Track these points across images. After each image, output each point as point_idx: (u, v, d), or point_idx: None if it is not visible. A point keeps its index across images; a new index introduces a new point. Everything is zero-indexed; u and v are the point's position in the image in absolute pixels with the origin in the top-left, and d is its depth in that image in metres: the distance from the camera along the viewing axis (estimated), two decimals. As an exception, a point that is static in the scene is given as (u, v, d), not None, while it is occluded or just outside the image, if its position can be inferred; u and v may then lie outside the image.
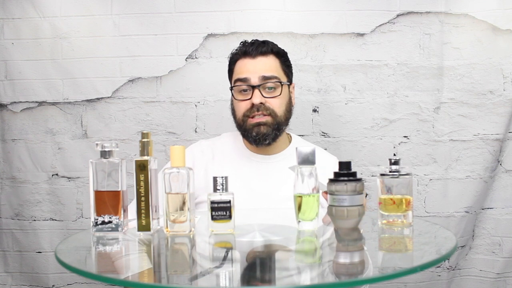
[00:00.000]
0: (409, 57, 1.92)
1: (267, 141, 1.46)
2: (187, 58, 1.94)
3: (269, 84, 1.46)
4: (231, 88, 1.52)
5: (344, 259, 0.94)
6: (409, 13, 1.91)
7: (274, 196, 1.44)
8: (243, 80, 1.46)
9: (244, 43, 1.52)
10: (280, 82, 1.47)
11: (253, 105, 1.45)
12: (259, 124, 1.45)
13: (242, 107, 1.47)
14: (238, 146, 1.55)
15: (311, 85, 1.94)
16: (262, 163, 1.52)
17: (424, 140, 1.93)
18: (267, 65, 1.47)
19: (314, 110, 1.95)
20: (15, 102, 1.96)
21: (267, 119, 1.45)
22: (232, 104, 1.54)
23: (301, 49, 1.93)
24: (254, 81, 1.45)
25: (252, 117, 1.45)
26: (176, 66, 1.94)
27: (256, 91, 1.44)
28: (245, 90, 1.47)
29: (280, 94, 1.47)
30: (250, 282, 0.80)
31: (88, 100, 1.95)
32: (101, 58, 1.94)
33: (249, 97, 1.46)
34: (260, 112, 1.45)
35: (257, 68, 1.46)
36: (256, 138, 1.46)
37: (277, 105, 1.47)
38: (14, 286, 2.01)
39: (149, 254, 0.99)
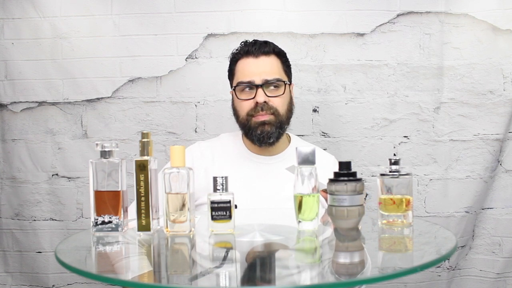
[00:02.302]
0: (409, 57, 1.92)
1: (271, 140, 1.47)
2: (187, 58, 1.94)
3: (272, 84, 1.46)
4: (234, 88, 1.51)
5: (344, 259, 0.94)
6: (409, 13, 1.91)
7: (275, 197, 1.44)
8: (247, 83, 1.47)
9: (245, 43, 1.52)
10: (284, 82, 1.48)
11: (257, 104, 1.45)
12: (264, 123, 1.46)
13: (246, 106, 1.48)
14: (238, 147, 1.56)
15: (311, 85, 1.94)
16: (262, 163, 1.52)
17: (424, 140, 1.93)
18: (269, 66, 1.48)
19: (314, 110, 1.95)
20: (15, 102, 1.96)
21: (271, 117, 1.46)
22: (233, 104, 1.54)
23: (301, 49, 1.93)
24: (258, 81, 1.46)
25: (256, 116, 1.46)
26: (176, 66, 1.94)
27: (260, 90, 1.45)
28: (250, 88, 1.48)
29: (283, 93, 1.48)
30: (250, 282, 0.80)
31: (88, 100, 1.95)
32: (101, 58, 1.94)
33: (253, 96, 1.46)
34: (264, 112, 1.45)
35: (260, 69, 1.47)
36: (261, 136, 1.46)
37: (280, 104, 1.47)
38: (14, 286, 2.01)
39: (149, 254, 0.99)
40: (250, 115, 1.47)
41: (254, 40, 1.53)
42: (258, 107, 1.45)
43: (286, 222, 1.17)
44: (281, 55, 1.53)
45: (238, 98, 1.50)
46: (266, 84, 1.45)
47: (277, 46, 1.53)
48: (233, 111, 1.55)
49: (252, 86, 1.46)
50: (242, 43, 1.53)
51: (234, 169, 1.49)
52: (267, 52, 1.49)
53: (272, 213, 1.38)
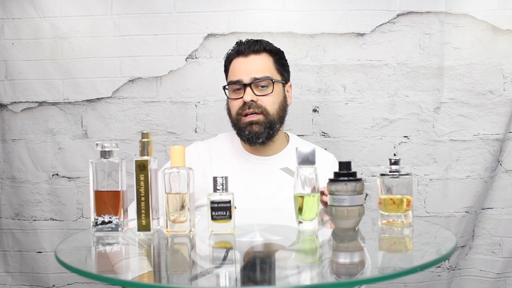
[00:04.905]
0: (409, 57, 1.92)
1: (260, 140, 1.46)
2: (187, 58, 1.94)
3: (261, 83, 1.46)
4: (224, 88, 1.53)
5: (344, 259, 0.94)
6: (409, 13, 1.91)
7: (272, 197, 1.44)
8: (236, 82, 1.48)
9: (238, 43, 1.53)
10: (272, 80, 1.47)
11: (245, 102, 1.46)
12: (251, 123, 1.46)
13: (235, 105, 1.49)
14: (236, 147, 1.55)
15: (311, 85, 1.94)
16: (260, 164, 1.52)
17: (424, 140, 1.93)
18: (259, 64, 1.48)
19: (314, 110, 1.95)
20: (15, 102, 1.96)
21: (259, 117, 1.46)
22: (227, 104, 1.55)
23: (301, 49, 1.93)
24: (246, 80, 1.46)
25: (245, 116, 1.46)
26: (176, 66, 1.94)
27: (248, 89, 1.45)
28: (238, 89, 1.49)
29: (272, 92, 1.47)
30: (250, 282, 0.80)
31: (88, 100, 1.95)
32: (101, 58, 1.94)
33: (242, 95, 1.47)
34: (252, 110, 1.45)
35: (249, 69, 1.47)
36: (249, 136, 1.46)
37: (269, 103, 1.47)
38: (14, 286, 2.01)
39: (149, 254, 0.99)
40: (239, 114, 1.48)
41: (247, 39, 1.54)
42: (246, 106, 1.46)
43: (286, 222, 1.17)
44: (274, 54, 1.52)
45: (228, 98, 1.52)
46: (254, 82, 1.45)
47: (271, 44, 1.53)
48: (227, 111, 1.56)
49: (241, 85, 1.47)
50: (236, 43, 1.54)
51: (232, 169, 1.49)
52: (257, 51, 1.49)
53: (272, 213, 1.38)
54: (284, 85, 1.54)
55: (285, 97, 1.53)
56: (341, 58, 1.93)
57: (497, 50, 1.90)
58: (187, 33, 1.93)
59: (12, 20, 1.94)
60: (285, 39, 1.91)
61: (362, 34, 1.93)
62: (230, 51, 1.54)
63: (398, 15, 1.91)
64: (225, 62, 1.56)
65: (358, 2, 1.91)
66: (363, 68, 1.93)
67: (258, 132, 1.45)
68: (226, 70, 1.56)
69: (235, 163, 1.52)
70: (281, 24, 1.92)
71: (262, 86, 1.47)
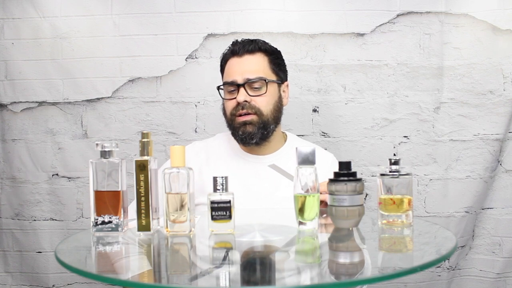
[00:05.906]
0: (409, 57, 1.92)
1: (254, 140, 1.46)
2: (187, 58, 1.94)
3: (255, 84, 1.46)
4: (219, 88, 1.53)
5: (344, 259, 0.94)
6: (409, 13, 1.91)
7: (271, 196, 1.44)
8: (230, 83, 1.48)
9: (234, 43, 1.53)
10: (265, 81, 1.47)
11: (238, 103, 1.46)
12: (245, 124, 1.46)
13: (230, 106, 1.49)
14: (232, 146, 1.56)
15: (311, 85, 1.94)
16: (257, 163, 1.52)
17: (424, 140, 1.93)
18: (252, 64, 1.47)
19: (314, 110, 1.95)
20: (15, 102, 1.96)
21: (253, 117, 1.46)
22: (223, 104, 1.55)
23: (301, 49, 1.93)
24: (240, 80, 1.46)
25: (239, 116, 1.46)
26: (176, 66, 1.94)
27: (241, 90, 1.45)
28: (233, 90, 1.49)
29: (265, 93, 1.47)
30: (250, 282, 0.80)
31: (88, 100, 1.95)
32: (101, 58, 1.94)
33: (235, 95, 1.47)
34: (245, 110, 1.45)
35: (243, 69, 1.47)
36: (243, 137, 1.47)
37: (263, 103, 1.47)
38: (14, 286, 2.01)
39: (149, 254, 0.99)
40: (233, 114, 1.48)
41: (242, 39, 1.53)
42: (239, 106, 1.46)
43: (286, 222, 1.17)
44: (270, 53, 1.51)
45: (223, 98, 1.52)
46: (248, 83, 1.45)
47: (266, 44, 1.52)
48: (222, 111, 1.56)
49: (234, 85, 1.47)
50: (232, 43, 1.54)
51: (229, 168, 1.49)
52: (252, 51, 1.48)
53: (272, 213, 1.38)
54: (279, 85, 1.53)
55: (280, 97, 1.53)
56: (341, 58, 1.93)
57: (497, 50, 1.90)
58: (187, 33, 1.93)
59: (12, 20, 1.94)
60: (285, 39, 1.91)
61: (362, 34, 1.92)
62: (225, 51, 1.54)
63: (398, 15, 1.92)
64: (221, 62, 1.57)
65: (358, 2, 1.91)
66: (363, 68, 1.93)
67: (252, 132, 1.46)
68: (222, 70, 1.56)
69: (231, 162, 1.52)
70: (281, 24, 1.92)
71: (256, 87, 1.47)
